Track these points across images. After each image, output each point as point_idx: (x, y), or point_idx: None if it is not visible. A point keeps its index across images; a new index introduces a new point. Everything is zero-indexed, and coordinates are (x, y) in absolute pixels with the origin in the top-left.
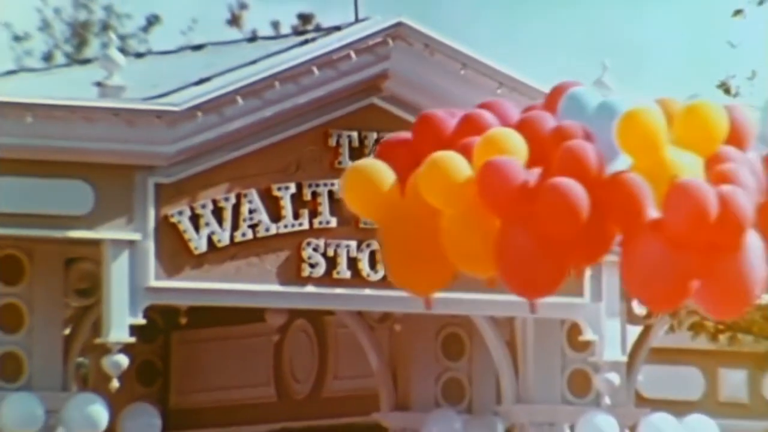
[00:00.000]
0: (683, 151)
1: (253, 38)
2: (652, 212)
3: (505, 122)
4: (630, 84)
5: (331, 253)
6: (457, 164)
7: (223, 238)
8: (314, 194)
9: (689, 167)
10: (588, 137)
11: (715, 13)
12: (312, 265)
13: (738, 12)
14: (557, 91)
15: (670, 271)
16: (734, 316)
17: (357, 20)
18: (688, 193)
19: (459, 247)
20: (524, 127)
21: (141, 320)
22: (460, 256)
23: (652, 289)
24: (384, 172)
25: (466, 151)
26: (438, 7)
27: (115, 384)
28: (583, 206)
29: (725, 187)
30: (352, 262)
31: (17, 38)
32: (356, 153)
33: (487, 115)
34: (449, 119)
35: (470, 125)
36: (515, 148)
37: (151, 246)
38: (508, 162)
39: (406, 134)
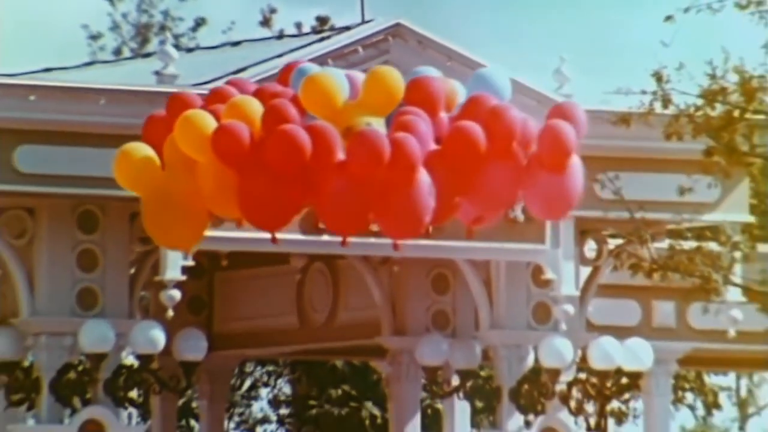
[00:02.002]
0: (363, 108)
1: (280, 36)
2: (340, 155)
3: (245, 94)
4: (621, 78)
5: None
6: (205, 119)
7: None
8: None
9: (365, 121)
10: (295, 99)
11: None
12: None
13: (669, 17)
14: (287, 69)
15: (351, 204)
16: (410, 237)
17: (363, 21)
18: (365, 140)
19: (211, 193)
20: (259, 95)
21: (191, 262)
22: (213, 201)
23: (337, 218)
24: (143, 152)
25: (214, 114)
26: (436, 9)
27: (170, 313)
28: (305, 142)
29: (397, 134)
30: None
31: (93, 37)
32: None
33: (230, 89)
34: (195, 97)
35: (217, 97)
36: (253, 110)
37: None
38: (233, 125)
39: (162, 112)
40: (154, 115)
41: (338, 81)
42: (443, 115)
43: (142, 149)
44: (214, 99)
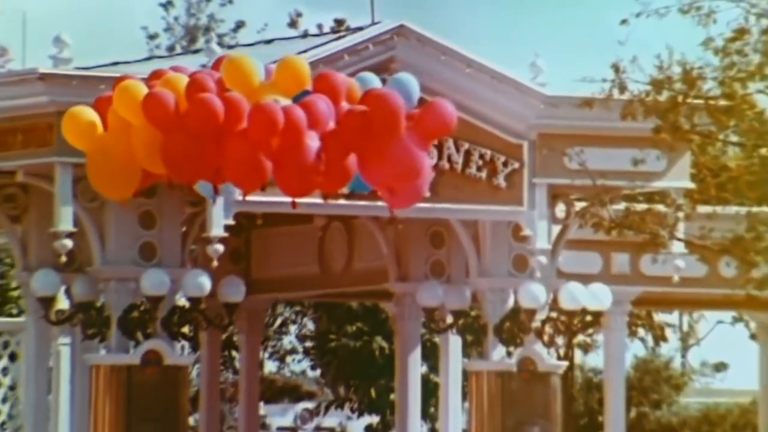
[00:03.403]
0: (274, 88)
1: (304, 35)
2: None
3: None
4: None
5: None
6: (139, 87)
7: None
8: None
9: (272, 98)
10: (221, 81)
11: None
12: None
13: (624, 21)
14: (220, 60)
15: (251, 165)
16: (301, 194)
17: (373, 23)
18: (263, 110)
19: (142, 151)
20: (192, 76)
21: (232, 221)
22: (144, 157)
23: (240, 177)
24: (87, 114)
25: (150, 88)
26: (437, 10)
27: (215, 263)
28: (219, 108)
29: (289, 105)
30: None
31: (150, 36)
32: None
33: (169, 71)
34: (138, 79)
35: (156, 76)
36: (181, 84)
37: None
38: (161, 92)
39: (110, 92)
40: (101, 96)
41: (254, 63)
42: (344, 104)
43: (87, 112)
44: (153, 78)
